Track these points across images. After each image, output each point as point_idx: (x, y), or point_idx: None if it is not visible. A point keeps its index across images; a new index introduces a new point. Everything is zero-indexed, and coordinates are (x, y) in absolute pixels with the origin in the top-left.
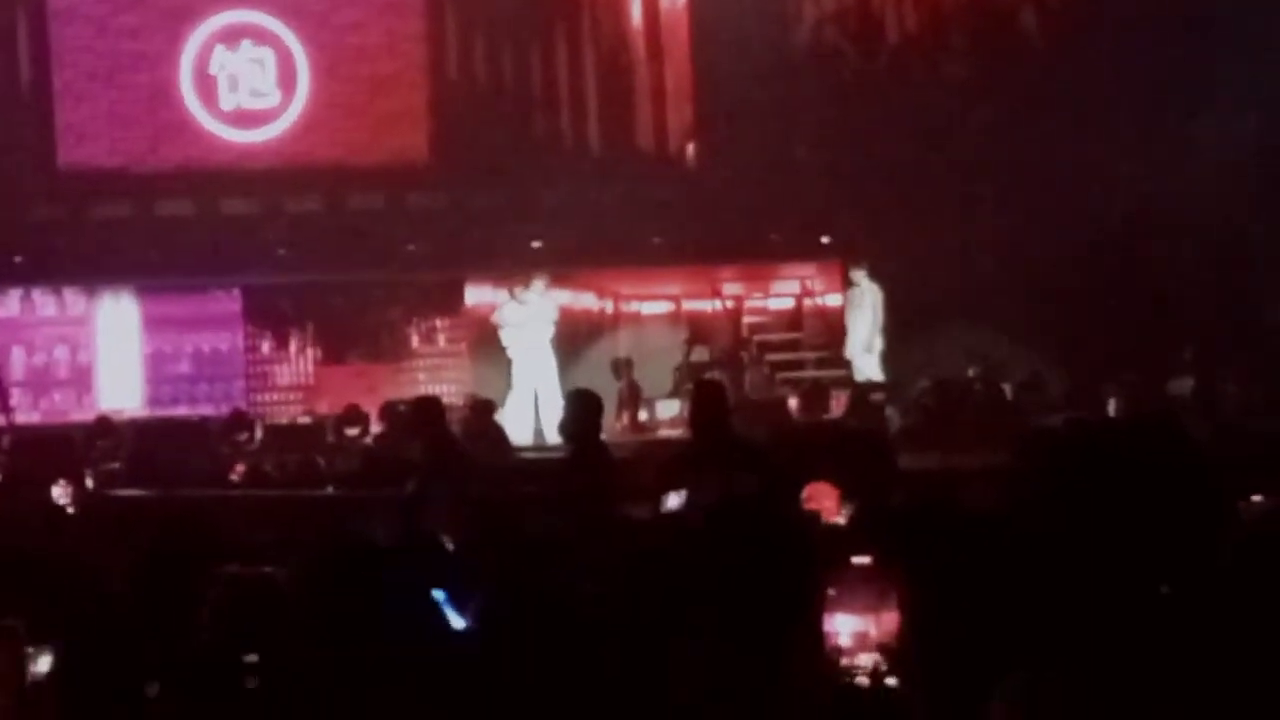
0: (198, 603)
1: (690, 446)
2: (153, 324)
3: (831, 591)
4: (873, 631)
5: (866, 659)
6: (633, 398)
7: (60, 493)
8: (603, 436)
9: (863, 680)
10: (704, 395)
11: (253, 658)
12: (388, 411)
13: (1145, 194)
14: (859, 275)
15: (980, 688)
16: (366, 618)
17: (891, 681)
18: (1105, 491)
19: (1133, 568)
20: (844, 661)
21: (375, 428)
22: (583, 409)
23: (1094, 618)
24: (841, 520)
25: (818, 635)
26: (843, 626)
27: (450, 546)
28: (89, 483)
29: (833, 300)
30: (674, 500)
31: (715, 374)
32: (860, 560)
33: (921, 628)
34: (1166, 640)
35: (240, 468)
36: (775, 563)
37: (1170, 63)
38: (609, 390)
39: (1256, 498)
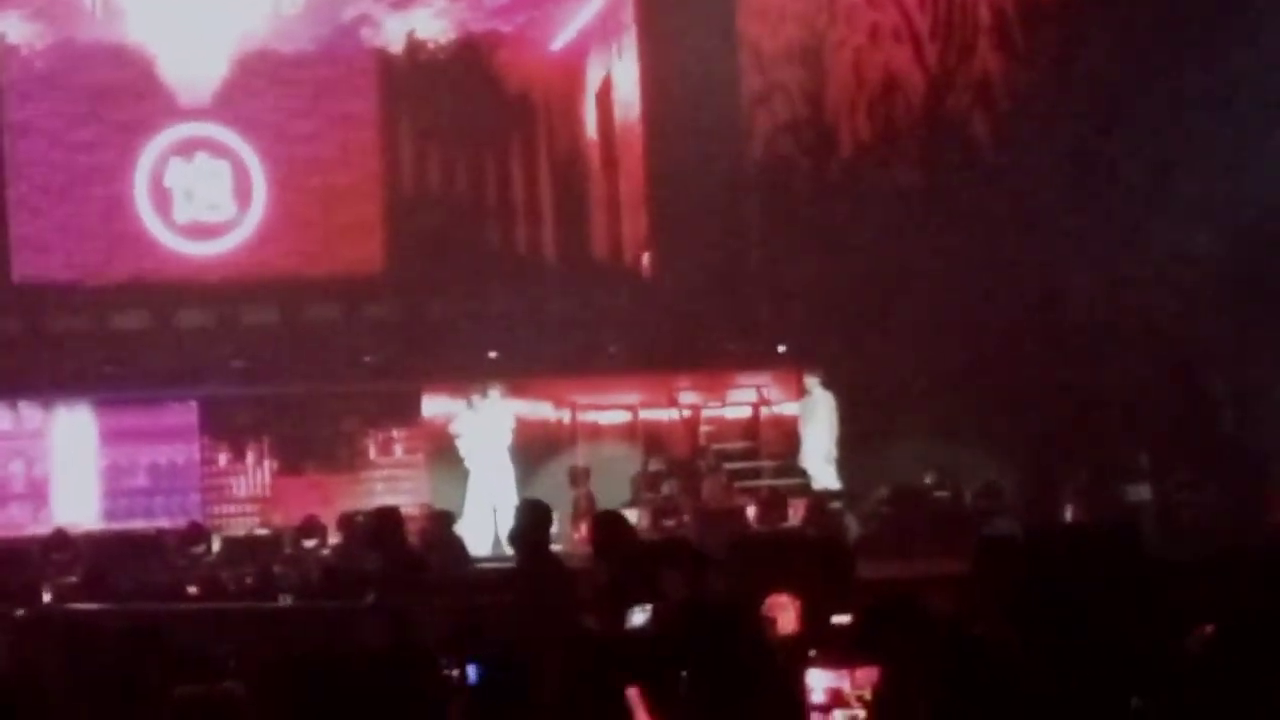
0: None
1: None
2: (109, 437)
3: (812, 652)
4: (847, 687)
5: (841, 716)
6: (589, 507)
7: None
8: (557, 546)
9: None
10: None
11: None
12: (345, 522)
13: (1100, 300)
14: (813, 383)
15: None
16: None
17: None
18: (1061, 600)
19: (1098, 678)
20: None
21: (333, 539)
22: (531, 519)
23: None
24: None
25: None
26: (818, 682)
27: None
28: (45, 597)
29: (789, 409)
30: (639, 616)
31: (673, 483)
32: (840, 619)
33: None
34: None
35: (197, 580)
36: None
37: (1125, 169)
38: (566, 500)
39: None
